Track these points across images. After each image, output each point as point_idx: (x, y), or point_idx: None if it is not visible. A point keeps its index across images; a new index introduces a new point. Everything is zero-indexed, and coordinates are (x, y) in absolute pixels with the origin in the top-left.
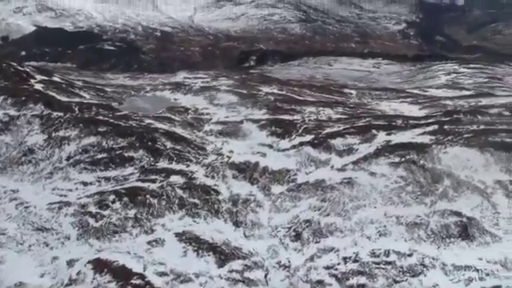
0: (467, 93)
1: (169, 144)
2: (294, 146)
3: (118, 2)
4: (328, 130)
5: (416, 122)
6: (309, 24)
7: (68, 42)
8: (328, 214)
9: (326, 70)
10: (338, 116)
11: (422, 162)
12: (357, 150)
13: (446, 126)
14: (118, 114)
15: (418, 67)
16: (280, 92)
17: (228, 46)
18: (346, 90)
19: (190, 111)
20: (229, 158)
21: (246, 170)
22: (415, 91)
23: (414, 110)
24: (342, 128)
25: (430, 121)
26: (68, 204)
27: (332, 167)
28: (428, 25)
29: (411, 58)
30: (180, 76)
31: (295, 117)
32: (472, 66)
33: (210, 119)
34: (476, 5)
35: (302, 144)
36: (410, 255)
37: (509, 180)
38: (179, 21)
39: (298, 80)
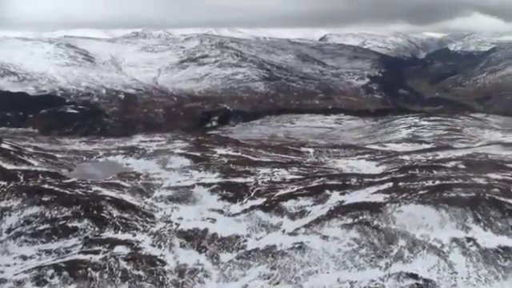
0: (426, 146)
1: (115, 212)
2: (245, 211)
3: (82, 65)
4: (281, 192)
5: (371, 179)
6: (272, 82)
7: (30, 106)
8: (278, 283)
9: (288, 128)
10: (293, 176)
11: (375, 222)
12: (309, 212)
13: (400, 183)
14: (66, 181)
15: (379, 122)
16: (235, 153)
17: (192, 106)
18: (304, 149)
19: (141, 176)
20: (177, 225)
21: (194, 238)
22: (375, 147)
23: (371, 167)
24: (295, 189)
25: (385, 178)
26: (3, 281)
27: (283, 231)
28: (391, 79)
29: (373, 112)
30: (136, 139)
31: (248, 179)
32: (432, 118)
33: (161, 184)
34: (436, 58)
35: (253, 208)
36: None
37: (465, 237)
38: (143, 82)
39: (258, 139)
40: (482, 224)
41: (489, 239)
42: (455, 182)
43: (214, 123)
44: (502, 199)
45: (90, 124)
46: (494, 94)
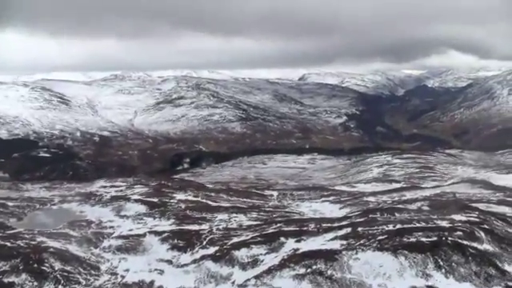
0: (397, 185)
1: (58, 265)
2: (194, 261)
3: (57, 108)
4: (235, 240)
5: (329, 224)
6: (249, 122)
7: (2, 150)
8: None
9: (260, 170)
10: (250, 222)
11: (329, 271)
12: (262, 261)
13: (359, 228)
14: (10, 232)
15: (353, 161)
16: (194, 198)
17: (167, 148)
18: (268, 192)
19: (92, 225)
20: (122, 277)
21: None
22: (343, 188)
23: (334, 210)
24: (249, 237)
25: (344, 223)
26: None
27: (233, 283)
28: (369, 116)
29: (348, 151)
30: (97, 185)
31: (203, 226)
32: (405, 156)
33: (112, 233)
34: (415, 94)
35: (203, 258)
36: None
37: (426, 285)
38: (119, 125)
39: (226, 182)
40: (443, 271)
41: (451, 287)
42: (417, 225)
43: (186, 165)
44: (466, 243)
45: (61, 168)
46: (471, 128)
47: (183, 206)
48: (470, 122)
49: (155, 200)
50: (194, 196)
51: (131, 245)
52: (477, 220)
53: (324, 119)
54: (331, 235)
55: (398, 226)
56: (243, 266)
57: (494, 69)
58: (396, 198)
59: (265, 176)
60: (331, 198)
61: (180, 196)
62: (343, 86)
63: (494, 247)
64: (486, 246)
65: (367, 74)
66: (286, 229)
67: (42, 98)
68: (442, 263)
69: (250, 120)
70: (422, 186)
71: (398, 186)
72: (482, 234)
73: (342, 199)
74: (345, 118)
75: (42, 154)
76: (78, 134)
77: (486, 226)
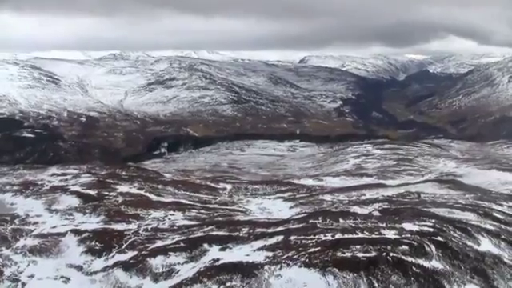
0: (368, 179)
1: None
2: (105, 268)
3: (46, 87)
4: (158, 244)
5: (264, 230)
6: (240, 105)
7: None
8: None
9: (236, 156)
10: (184, 222)
11: None
12: (178, 272)
13: (292, 237)
14: None
15: (334, 149)
16: (137, 191)
17: (154, 130)
18: (221, 185)
19: (16, 220)
20: (23, 285)
21: None
22: (309, 181)
23: (284, 209)
24: (174, 241)
25: (279, 229)
26: None
27: None
28: (365, 101)
29: (333, 138)
30: (49, 172)
31: (131, 225)
32: (387, 146)
33: (33, 230)
34: (415, 80)
35: (116, 265)
36: None
37: None
38: (108, 105)
39: (195, 170)
40: None
41: None
42: (359, 235)
43: (163, 150)
44: (410, 259)
45: (43, 149)
46: (469, 116)
47: (120, 199)
48: (468, 109)
49: (93, 192)
50: (139, 188)
51: (47, 246)
52: (430, 230)
53: (318, 103)
54: (260, 244)
55: (338, 236)
56: (155, 278)
57: (498, 55)
58: (354, 198)
59: (239, 164)
60: (286, 195)
61: (123, 188)
62: (343, 69)
63: (445, 264)
64: (435, 264)
65: (368, 58)
66: (215, 233)
67: (32, 76)
68: (376, 284)
69: (241, 103)
70: (387, 183)
71: (369, 180)
72: (433, 247)
73: (297, 196)
74: (340, 102)
75: (25, 135)
76: (65, 114)
77: (439, 238)
